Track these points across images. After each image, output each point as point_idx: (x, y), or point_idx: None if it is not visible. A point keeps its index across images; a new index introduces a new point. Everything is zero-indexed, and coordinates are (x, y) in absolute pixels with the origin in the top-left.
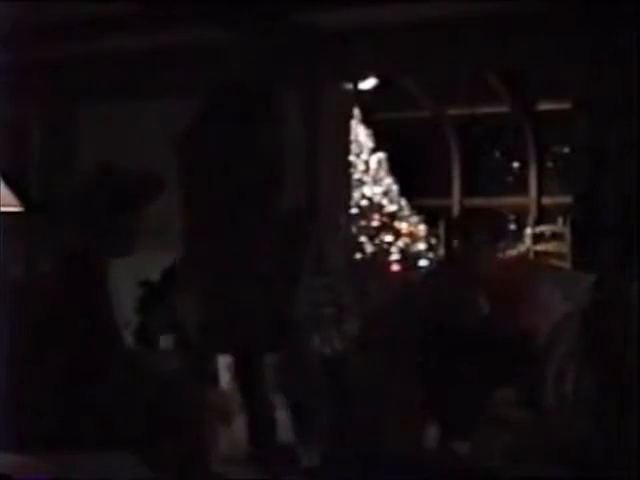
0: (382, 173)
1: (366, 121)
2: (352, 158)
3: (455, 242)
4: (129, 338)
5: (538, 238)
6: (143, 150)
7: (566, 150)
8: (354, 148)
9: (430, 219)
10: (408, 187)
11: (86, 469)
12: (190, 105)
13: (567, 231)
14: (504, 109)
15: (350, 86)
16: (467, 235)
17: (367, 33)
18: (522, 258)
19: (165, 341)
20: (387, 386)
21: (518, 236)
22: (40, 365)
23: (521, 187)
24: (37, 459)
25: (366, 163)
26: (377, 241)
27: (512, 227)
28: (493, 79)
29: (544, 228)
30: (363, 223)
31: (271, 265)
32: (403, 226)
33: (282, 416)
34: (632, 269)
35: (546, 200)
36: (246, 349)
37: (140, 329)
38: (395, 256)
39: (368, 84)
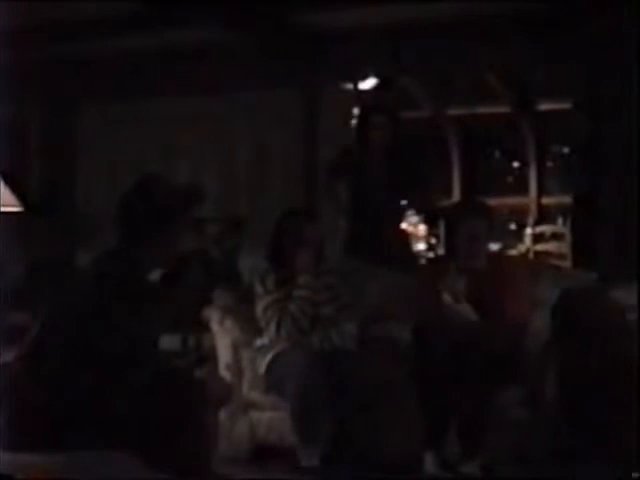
0: None
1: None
2: None
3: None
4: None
5: (538, 238)
6: (144, 150)
7: (566, 150)
8: None
9: (430, 219)
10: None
11: (86, 469)
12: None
13: (567, 231)
14: (504, 109)
15: (350, 86)
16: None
17: (367, 33)
18: (521, 257)
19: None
20: (387, 386)
21: (518, 236)
22: (42, 365)
23: (521, 187)
24: (37, 459)
25: None
26: None
27: (512, 227)
28: (493, 79)
29: (544, 228)
30: None
31: None
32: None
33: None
34: (632, 269)
35: (546, 200)
36: None
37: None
38: None
39: (368, 84)
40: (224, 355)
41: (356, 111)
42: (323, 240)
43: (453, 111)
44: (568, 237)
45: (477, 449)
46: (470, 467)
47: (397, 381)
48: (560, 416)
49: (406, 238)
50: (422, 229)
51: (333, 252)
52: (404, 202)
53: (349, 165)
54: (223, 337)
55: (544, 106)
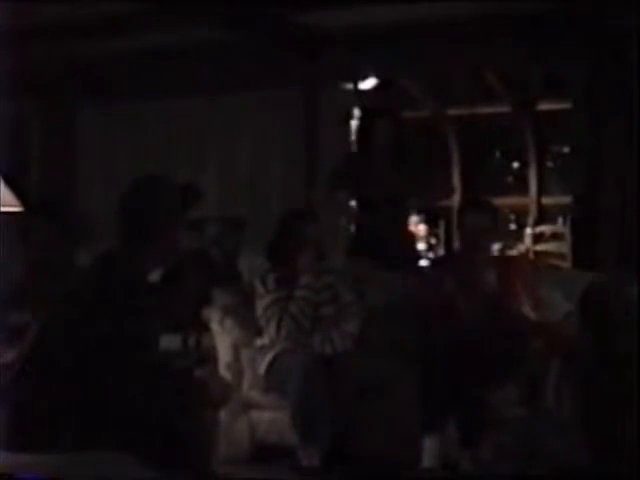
0: None
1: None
2: None
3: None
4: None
5: (538, 238)
6: (144, 150)
7: (566, 150)
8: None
9: (430, 219)
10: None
11: (86, 469)
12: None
13: (567, 231)
14: (504, 109)
15: (350, 86)
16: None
17: (367, 33)
18: (522, 257)
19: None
20: (387, 386)
21: (518, 236)
22: (41, 365)
23: (521, 187)
24: (37, 459)
25: None
26: None
27: (512, 227)
28: (493, 79)
29: (544, 228)
30: None
31: None
32: None
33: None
34: (632, 269)
35: (546, 200)
36: None
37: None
38: None
39: (368, 84)
40: (224, 355)
41: (356, 111)
42: (323, 240)
43: (453, 111)
44: (568, 237)
45: (476, 444)
46: (468, 462)
47: (397, 381)
48: (579, 411)
49: (411, 238)
50: (422, 229)
51: (333, 252)
52: (406, 202)
53: (350, 174)
54: (223, 337)
55: (544, 106)
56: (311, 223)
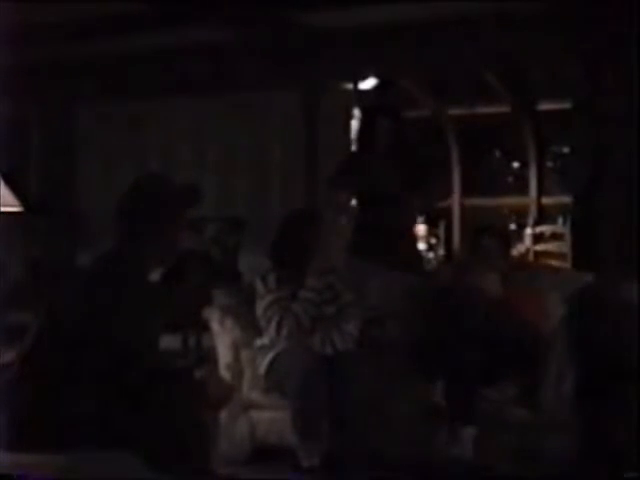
0: None
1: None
2: None
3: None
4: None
5: (538, 238)
6: (144, 150)
7: (566, 150)
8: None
9: (430, 219)
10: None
11: (86, 469)
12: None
13: (567, 231)
14: (504, 109)
15: (350, 86)
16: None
17: (367, 33)
18: (522, 257)
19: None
20: (387, 385)
21: (518, 236)
22: (41, 365)
23: (521, 187)
24: (37, 459)
25: None
26: None
27: (512, 227)
28: (493, 79)
29: (544, 228)
30: None
31: None
32: None
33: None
34: (632, 269)
35: (546, 200)
36: None
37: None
38: None
39: (368, 84)
40: (224, 355)
41: (357, 111)
42: (325, 240)
43: (453, 111)
44: (568, 237)
45: (475, 448)
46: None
47: (397, 381)
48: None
49: (412, 238)
50: (422, 229)
51: (335, 252)
52: (406, 202)
53: (350, 174)
54: (223, 337)
55: (544, 106)
56: (314, 223)
